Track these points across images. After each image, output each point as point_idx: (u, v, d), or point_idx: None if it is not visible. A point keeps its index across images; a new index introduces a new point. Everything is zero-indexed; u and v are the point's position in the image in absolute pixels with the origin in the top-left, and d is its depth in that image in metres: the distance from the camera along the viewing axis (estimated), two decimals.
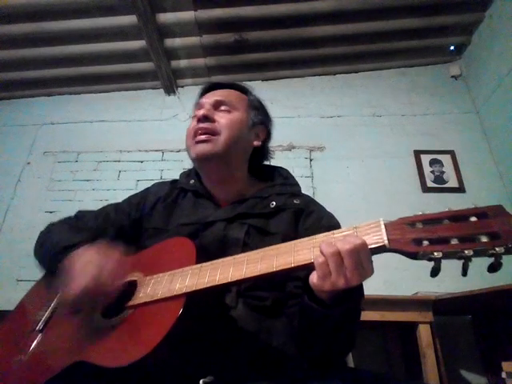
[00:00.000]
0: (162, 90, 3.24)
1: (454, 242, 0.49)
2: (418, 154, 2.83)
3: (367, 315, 1.83)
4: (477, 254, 0.48)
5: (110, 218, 0.95)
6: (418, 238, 0.52)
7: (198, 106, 0.95)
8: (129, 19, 2.72)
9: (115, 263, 0.70)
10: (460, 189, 2.66)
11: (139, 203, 0.97)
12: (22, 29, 2.76)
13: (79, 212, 1.01)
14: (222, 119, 0.90)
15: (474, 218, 0.51)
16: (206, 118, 0.89)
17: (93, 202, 2.74)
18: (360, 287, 0.63)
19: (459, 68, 3.17)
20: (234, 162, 0.92)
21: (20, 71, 3.11)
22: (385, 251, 0.55)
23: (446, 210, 0.53)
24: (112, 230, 0.92)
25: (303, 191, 0.97)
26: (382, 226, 0.55)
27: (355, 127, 3.01)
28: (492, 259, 0.48)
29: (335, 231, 0.60)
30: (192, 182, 0.97)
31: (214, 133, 0.88)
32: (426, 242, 0.51)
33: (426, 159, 2.81)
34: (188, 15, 2.75)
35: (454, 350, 2.17)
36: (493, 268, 0.48)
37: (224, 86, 0.99)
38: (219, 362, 0.67)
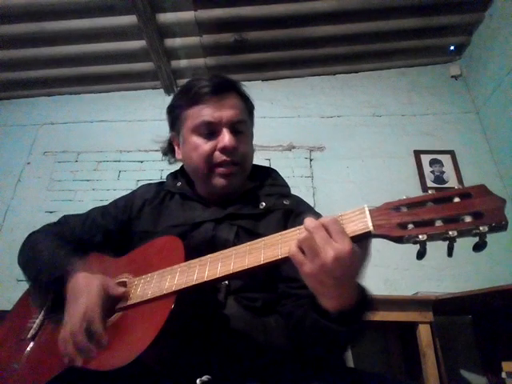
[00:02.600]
0: (162, 90, 3.24)
1: (439, 223, 0.49)
2: (417, 154, 2.83)
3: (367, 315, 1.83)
4: (461, 234, 0.48)
5: (97, 223, 0.93)
6: (402, 222, 0.51)
7: (209, 124, 0.85)
8: (129, 19, 2.72)
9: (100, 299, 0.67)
10: None
11: (126, 206, 0.95)
12: (22, 29, 2.76)
13: (63, 218, 0.98)
14: (242, 146, 0.87)
15: (457, 199, 0.50)
16: (233, 150, 0.84)
17: (93, 202, 2.74)
18: (369, 303, 0.61)
19: (459, 68, 3.17)
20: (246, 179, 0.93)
21: (20, 71, 3.11)
22: (371, 237, 0.54)
23: (430, 192, 0.53)
24: (99, 236, 0.91)
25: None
26: (367, 213, 0.55)
27: (355, 127, 3.01)
28: (477, 239, 0.48)
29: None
30: (179, 184, 0.96)
31: (237, 164, 0.86)
32: (410, 226, 0.50)
33: (425, 159, 2.81)
34: (188, 15, 2.75)
35: (454, 350, 2.17)
36: (478, 247, 0.48)
37: (225, 87, 0.90)
38: (215, 361, 0.67)
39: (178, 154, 0.96)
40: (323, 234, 0.53)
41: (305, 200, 0.96)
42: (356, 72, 3.27)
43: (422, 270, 2.36)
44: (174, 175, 1.02)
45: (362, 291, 0.60)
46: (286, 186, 0.97)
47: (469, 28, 3.03)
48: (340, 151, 2.91)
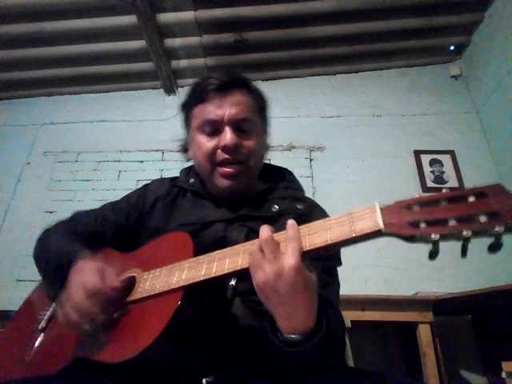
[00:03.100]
0: (162, 90, 3.24)
1: (452, 223, 0.47)
2: (417, 154, 2.83)
3: (367, 315, 1.83)
4: (476, 234, 0.46)
5: (109, 220, 0.93)
6: (414, 221, 0.49)
7: (211, 122, 0.85)
8: (129, 19, 2.72)
9: (108, 272, 0.69)
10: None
11: (138, 202, 0.95)
12: (21, 29, 2.77)
13: (76, 214, 0.98)
14: (246, 144, 0.85)
15: (472, 198, 0.48)
16: (235, 148, 0.83)
17: (93, 202, 2.74)
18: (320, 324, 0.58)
19: (459, 68, 3.17)
20: (255, 179, 0.92)
21: (20, 71, 3.11)
22: (381, 236, 0.52)
23: (444, 191, 0.51)
24: (111, 232, 0.91)
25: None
26: (378, 210, 0.53)
27: (355, 127, 3.01)
28: (492, 239, 0.46)
29: (329, 218, 0.59)
30: (191, 181, 0.95)
31: (241, 163, 0.85)
32: (423, 225, 0.49)
33: (425, 159, 2.81)
34: (188, 15, 2.75)
35: (454, 350, 2.17)
36: (493, 248, 0.46)
37: (230, 84, 0.87)
38: (218, 361, 0.67)
39: (190, 152, 0.96)
40: (269, 249, 0.56)
41: (319, 204, 0.94)
42: (356, 72, 3.27)
43: (422, 270, 2.36)
44: (187, 171, 1.01)
45: (319, 320, 0.58)
46: (300, 189, 0.96)
47: (469, 28, 3.03)
48: (340, 151, 2.91)
